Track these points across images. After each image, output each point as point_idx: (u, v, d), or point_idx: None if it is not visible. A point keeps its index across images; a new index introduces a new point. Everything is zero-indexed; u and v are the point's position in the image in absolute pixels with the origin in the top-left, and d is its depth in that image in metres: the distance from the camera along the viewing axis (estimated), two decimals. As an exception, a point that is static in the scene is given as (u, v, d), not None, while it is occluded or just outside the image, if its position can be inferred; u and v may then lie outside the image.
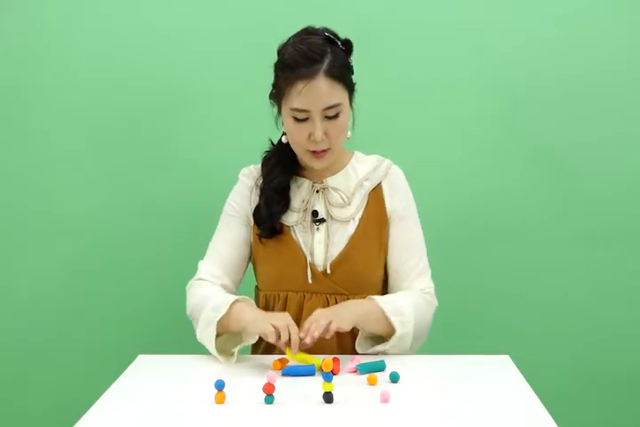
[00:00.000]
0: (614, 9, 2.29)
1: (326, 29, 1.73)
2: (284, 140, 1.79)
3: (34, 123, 2.31)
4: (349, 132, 1.77)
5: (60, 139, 2.32)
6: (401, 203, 1.84)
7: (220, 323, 1.66)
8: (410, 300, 1.76)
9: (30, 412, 2.37)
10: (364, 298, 1.75)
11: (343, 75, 1.71)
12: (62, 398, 2.35)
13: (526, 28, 2.29)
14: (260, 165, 1.88)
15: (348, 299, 1.77)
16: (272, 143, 1.87)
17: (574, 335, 2.37)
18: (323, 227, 1.80)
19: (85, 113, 2.31)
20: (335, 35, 1.73)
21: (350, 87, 1.74)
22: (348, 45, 1.74)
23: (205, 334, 1.69)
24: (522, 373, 1.61)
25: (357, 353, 1.76)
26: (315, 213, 1.81)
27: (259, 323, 1.61)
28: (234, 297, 1.71)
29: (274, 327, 1.58)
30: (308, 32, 1.72)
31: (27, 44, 2.29)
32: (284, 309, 1.79)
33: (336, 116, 1.69)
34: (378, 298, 1.73)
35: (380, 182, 1.84)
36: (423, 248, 1.86)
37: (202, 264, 1.85)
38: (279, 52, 1.73)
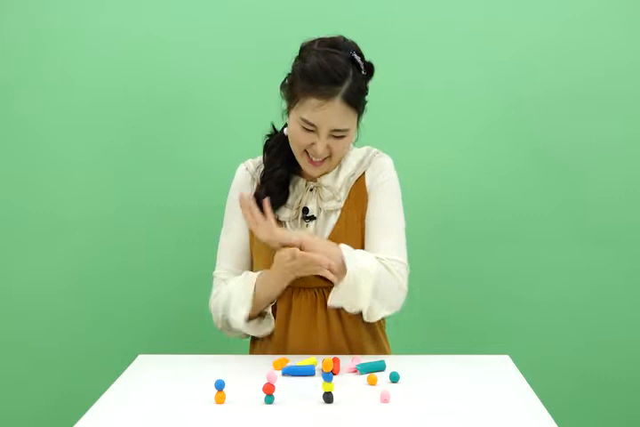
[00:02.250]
0: (616, 13, 2.29)
1: (352, 47, 1.71)
2: (285, 132, 1.79)
3: (34, 123, 2.31)
4: (351, 145, 1.80)
5: (61, 139, 2.32)
6: (381, 182, 1.81)
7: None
8: (377, 262, 1.72)
9: (30, 412, 2.37)
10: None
11: (359, 100, 1.71)
12: (62, 397, 2.35)
13: (527, 31, 2.29)
14: (257, 159, 1.88)
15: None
16: (274, 129, 1.86)
17: (574, 335, 2.37)
18: (312, 224, 1.80)
19: (86, 113, 2.31)
20: (360, 54, 1.71)
21: (362, 110, 1.75)
22: (369, 70, 1.73)
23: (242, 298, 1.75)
24: (522, 373, 1.61)
25: (356, 353, 1.77)
26: (305, 210, 1.81)
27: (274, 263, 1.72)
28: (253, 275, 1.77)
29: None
30: (336, 44, 1.70)
31: (27, 44, 2.29)
32: (273, 304, 1.79)
33: (342, 137, 1.71)
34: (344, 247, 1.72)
35: (365, 171, 1.84)
36: (402, 228, 1.81)
37: (216, 276, 1.86)
38: (302, 51, 1.72)
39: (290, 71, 1.74)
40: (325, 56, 1.67)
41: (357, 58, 1.70)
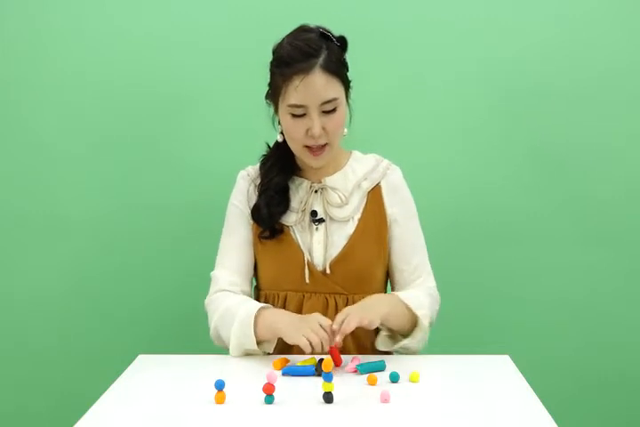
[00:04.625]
0: (616, 11, 2.28)
1: (321, 27, 1.74)
2: (279, 138, 1.79)
3: (34, 123, 2.31)
4: (345, 129, 1.78)
5: (61, 139, 2.32)
6: (402, 204, 1.85)
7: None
8: (427, 296, 1.80)
9: (30, 412, 2.37)
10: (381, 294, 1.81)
11: (339, 70, 1.72)
12: (63, 397, 2.35)
13: (526, 29, 2.29)
14: (257, 166, 1.88)
15: (347, 299, 1.78)
16: (269, 146, 1.87)
17: (574, 335, 2.37)
18: (322, 227, 1.80)
19: (86, 113, 2.31)
20: (330, 31, 1.74)
21: (346, 83, 1.75)
22: (342, 42, 1.75)
23: (243, 344, 1.70)
24: (522, 373, 1.61)
25: (358, 353, 1.76)
26: (313, 213, 1.81)
27: (293, 333, 1.61)
28: (256, 307, 1.70)
29: (308, 341, 1.57)
30: (303, 30, 1.74)
31: (27, 44, 2.28)
32: (283, 308, 1.78)
33: (333, 110, 1.70)
34: (399, 293, 1.77)
35: (379, 183, 1.85)
36: (425, 247, 1.88)
37: (216, 275, 1.84)
38: (274, 51, 1.75)
39: (269, 80, 1.76)
40: (297, 38, 1.71)
41: (328, 33, 1.73)
